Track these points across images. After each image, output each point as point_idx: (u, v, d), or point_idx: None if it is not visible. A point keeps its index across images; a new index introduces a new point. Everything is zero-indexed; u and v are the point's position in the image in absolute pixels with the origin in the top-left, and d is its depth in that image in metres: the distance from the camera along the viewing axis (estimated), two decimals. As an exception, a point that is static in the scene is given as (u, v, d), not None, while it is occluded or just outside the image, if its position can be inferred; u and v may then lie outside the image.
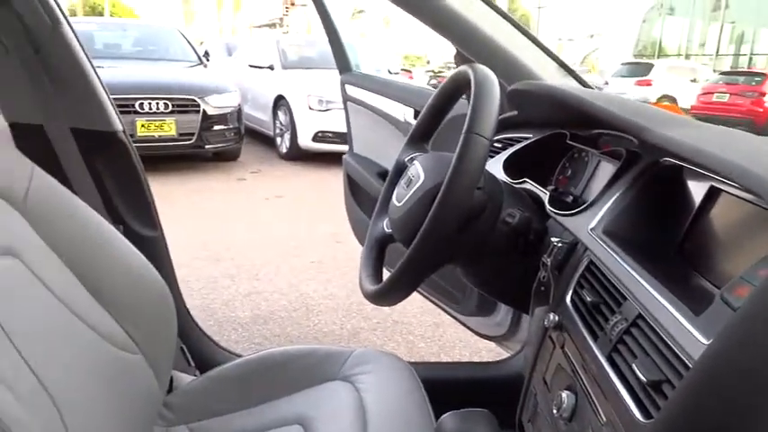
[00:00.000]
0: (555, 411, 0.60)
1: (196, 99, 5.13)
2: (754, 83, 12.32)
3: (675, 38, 24.11)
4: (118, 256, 1.06)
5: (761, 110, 11.82)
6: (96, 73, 1.14)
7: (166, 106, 4.93)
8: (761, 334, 0.36)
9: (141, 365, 1.05)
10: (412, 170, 0.90)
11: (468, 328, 1.71)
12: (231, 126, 5.43)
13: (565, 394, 0.58)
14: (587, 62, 25.21)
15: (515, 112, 1.17)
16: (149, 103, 4.82)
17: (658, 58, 21.19)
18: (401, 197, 0.88)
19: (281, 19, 32.34)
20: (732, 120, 11.01)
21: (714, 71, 16.26)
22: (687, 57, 22.31)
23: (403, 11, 1.23)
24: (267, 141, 6.67)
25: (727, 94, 12.40)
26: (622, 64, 16.16)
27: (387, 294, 0.85)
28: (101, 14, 19.84)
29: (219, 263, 3.14)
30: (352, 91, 2.08)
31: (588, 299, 0.60)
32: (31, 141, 0.97)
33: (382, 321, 2.54)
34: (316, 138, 5.76)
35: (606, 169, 0.82)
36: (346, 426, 1.01)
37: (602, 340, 0.55)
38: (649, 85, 14.17)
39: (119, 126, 1.17)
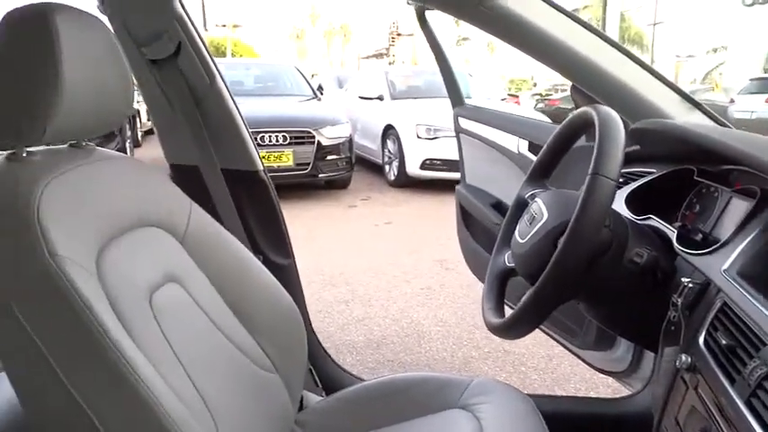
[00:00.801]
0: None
1: (311, 131, 5.44)
2: None
3: (814, 49, 21.97)
4: (259, 284, 1.17)
5: None
6: (243, 119, 1.29)
7: (285, 138, 5.28)
8: None
9: (277, 383, 1.15)
10: (534, 207, 0.93)
11: (585, 361, 1.68)
12: (343, 156, 5.69)
13: (702, 428, 0.58)
14: (710, 79, 23.57)
15: (637, 147, 1.16)
16: (269, 136, 5.20)
17: (792, 71, 19.36)
18: (524, 234, 0.92)
19: (388, 49, 33.34)
20: None
21: None
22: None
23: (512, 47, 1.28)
24: (376, 169, 6.88)
25: None
26: (751, 80, 14.94)
27: (512, 328, 0.88)
28: (224, 54, 21.55)
29: (334, 288, 3.29)
30: (465, 123, 2.13)
31: (723, 342, 0.60)
32: (189, 180, 1.11)
33: (493, 351, 2.53)
34: (423, 165, 5.88)
35: (739, 207, 0.81)
36: None
37: (739, 384, 0.55)
38: (786, 102, 12.96)
39: (260, 166, 1.31)
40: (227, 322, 1.09)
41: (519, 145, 1.80)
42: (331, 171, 5.65)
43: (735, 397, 0.55)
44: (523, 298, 0.87)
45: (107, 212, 0.91)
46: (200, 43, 1.20)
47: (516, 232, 0.96)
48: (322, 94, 7.30)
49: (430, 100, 6.58)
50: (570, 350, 1.71)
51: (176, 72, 1.20)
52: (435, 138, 5.84)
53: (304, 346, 1.26)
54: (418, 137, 5.89)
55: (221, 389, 0.99)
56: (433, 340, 2.66)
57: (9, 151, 0.85)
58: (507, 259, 1.04)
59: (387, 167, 6.48)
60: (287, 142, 5.30)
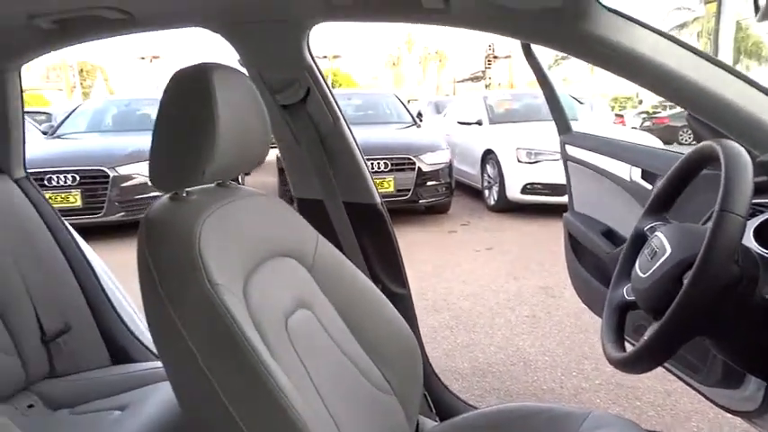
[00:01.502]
0: None
1: (412, 158, 5.56)
2: None
3: None
4: (379, 311, 1.24)
5: None
6: (362, 154, 1.38)
7: (386, 165, 5.43)
8: None
9: (395, 406, 1.21)
10: (656, 241, 0.93)
11: (709, 399, 1.59)
12: (443, 181, 5.75)
13: None
14: None
15: (765, 178, 1.12)
16: (371, 164, 5.36)
17: None
18: (646, 268, 0.91)
19: (484, 72, 33.24)
20: None
21: None
22: None
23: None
24: (475, 194, 6.88)
25: None
26: None
27: (636, 363, 0.88)
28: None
29: (438, 313, 3.32)
30: (573, 151, 2.12)
31: None
32: (314, 213, 1.21)
33: (604, 383, 2.45)
34: (524, 190, 5.80)
35: None
36: None
37: None
38: None
39: (378, 199, 1.40)
40: (350, 346, 1.16)
41: (631, 172, 1.76)
42: (431, 196, 5.72)
43: None
44: (648, 333, 0.86)
45: (251, 244, 1.02)
46: (325, 88, 1.32)
47: (637, 266, 0.96)
48: (421, 120, 7.43)
49: (530, 123, 6.52)
50: (692, 386, 1.64)
51: (304, 114, 1.32)
52: (536, 161, 5.77)
53: (420, 371, 1.31)
54: (519, 161, 5.84)
55: (346, 409, 1.06)
56: (539, 369, 2.62)
57: (171, 192, 0.98)
58: (626, 292, 1.03)
59: (486, 192, 6.46)
60: (388, 169, 5.45)
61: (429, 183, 5.64)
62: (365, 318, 1.21)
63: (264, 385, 0.86)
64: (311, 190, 1.39)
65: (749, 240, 1.01)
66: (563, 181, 6.34)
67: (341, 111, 1.36)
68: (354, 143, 1.38)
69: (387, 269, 1.44)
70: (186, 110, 0.93)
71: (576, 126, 2.14)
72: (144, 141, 5.21)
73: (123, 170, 5.46)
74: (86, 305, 1.64)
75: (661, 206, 1.05)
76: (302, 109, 1.31)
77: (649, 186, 1.66)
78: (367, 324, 1.21)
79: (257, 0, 1.14)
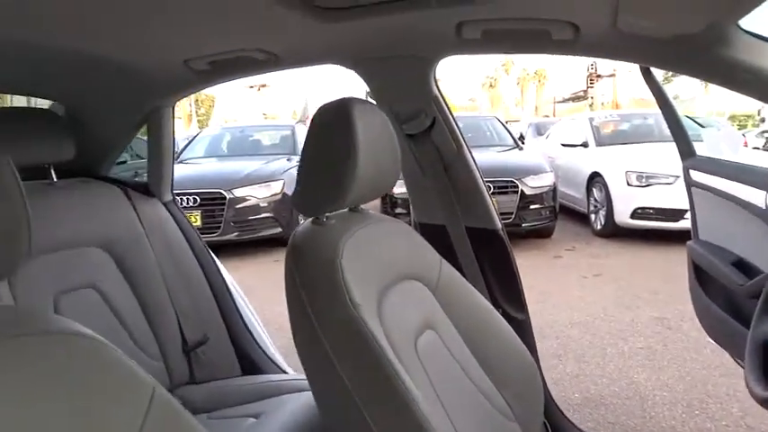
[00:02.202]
0: None
1: (515, 180, 5.50)
2: None
3: None
4: (501, 336, 1.26)
5: None
6: (483, 179, 1.42)
7: (489, 188, 5.40)
8: None
9: (517, 432, 1.21)
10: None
11: None
12: (547, 204, 5.63)
13: None
14: None
15: None
16: (473, 187, 5.38)
17: None
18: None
19: (585, 91, 32.18)
20: None
21: None
22: None
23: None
24: (579, 218, 6.66)
25: None
26: None
27: None
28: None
29: (545, 340, 3.24)
30: (698, 176, 2.03)
31: None
32: (436, 238, 1.25)
33: (732, 425, 2.28)
34: (635, 214, 5.55)
35: None
36: None
37: None
38: None
39: (498, 225, 1.42)
40: (473, 370, 1.19)
41: (767, 199, 1.66)
42: (534, 220, 5.61)
43: None
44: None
45: (384, 267, 1.08)
46: (450, 117, 1.37)
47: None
48: (523, 143, 7.34)
49: (640, 145, 6.24)
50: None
51: (429, 143, 1.38)
52: (648, 185, 5.50)
53: (541, 399, 1.31)
54: (628, 184, 5.60)
55: (468, 430, 1.08)
56: (657, 405, 2.48)
57: (313, 217, 1.06)
58: (774, 328, 0.99)
59: (593, 216, 6.23)
60: (490, 192, 5.41)
61: (532, 206, 5.54)
62: (487, 342, 1.23)
63: (403, 402, 0.90)
64: (434, 215, 1.44)
65: None
66: (677, 206, 6.07)
67: (464, 138, 1.40)
68: (477, 170, 1.42)
69: (507, 294, 1.45)
70: (330, 141, 1.01)
71: (701, 150, 2.06)
72: (256, 165, 5.59)
73: (238, 192, 5.83)
74: (221, 318, 1.78)
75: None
76: (427, 138, 1.37)
77: (788, 214, 1.57)
78: (489, 348, 1.22)
79: (391, 38, 1.22)
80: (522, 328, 1.45)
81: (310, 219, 1.07)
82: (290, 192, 6.18)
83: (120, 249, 1.63)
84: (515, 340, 1.28)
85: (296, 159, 6.95)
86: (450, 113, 1.38)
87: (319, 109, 1.05)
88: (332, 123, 1.02)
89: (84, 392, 0.59)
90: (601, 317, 3.65)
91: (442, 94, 1.37)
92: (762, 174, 1.79)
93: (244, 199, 5.84)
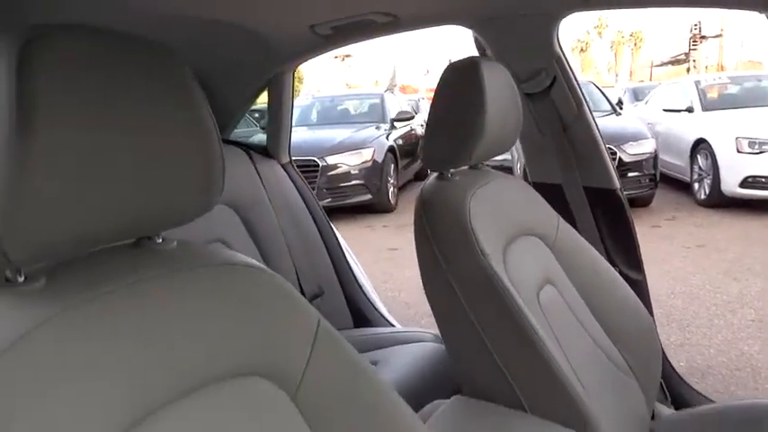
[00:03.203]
0: None
1: (612, 147, 5.29)
2: None
3: None
4: (618, 294, 1.26)
5: None
6: (603, 139, 1.41)
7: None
8: None
9: (635, 388, 1.22)
10: None
11: None
12: (647, 172, 5.39)
13: None
14: None
15: None
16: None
17: None
18: None
19: (687, 54, 29.97)
20: None
21: None
22: None
23: None
24: (680, 186, 6.33)
25: None
26: None
27: None
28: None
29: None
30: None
31: None
32: (551, 197, 1.27)
33: None
34: (745, 183, 5.20)
35: None
36: None
37: None
38: None
39: (617, 184, 1.41)
40: (591, 326, 1.21)
41: None
42: (633, 188, 5.39)
43: None
44: None
45: (507, 221, 1.11)
46: (571, 76, 1.37)
47: None
48: (621, 108, 7.02)
49: (751, 110, 5.81)
50: None
51: (549, 102, 1.38)
52: (761, 152, 5.13)
53: (658, 358, 1.31)
54: (739, 151, 5.24)
55: (595, 384, 1.11)
56: (771, 378, 2.39)
57: (437, 172, 1.11)
58: None
59: (696, 185, 5.90)
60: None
61: (631, 174, 5.32)
62: (605, 299, 1.24)
63: (533, 345, 0.95)
64: (550, 174, 1.45)
65: None
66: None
67: (585, 98, 1.39)
68: (597, 129, 1.41)
69: (623, 254, 1.45)
70: (460, 98, 1.05)
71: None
72: (346, 134, 5.70)
73: (331, 160, 5.99)
74: (335, 274, 1.89)
75: None
76: (546, 97, 1.38)
77: None
78: (607, 306, 1.24)
79: None
80: (639, 288, 1.44)
81: (435, 175, 1.12)
82: (379, 159, 6.28)
83: (244, 207, 1.76)
84: (633, 299, 1.28)
85: (384, 127, 7.03)
86: (573, 73, 1.38)
87: (447, 68, 1.09)
88: (461, 81, 1.06)
89: (262, 317, 0.64)
90: (706, 288, 3.51)
91: (563, 53, 1.37)
92: None
93: (336, 166, 6.01)
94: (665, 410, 1.40)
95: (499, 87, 1.08)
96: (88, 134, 0.49)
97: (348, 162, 6.07)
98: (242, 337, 0.61)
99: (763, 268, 3.78)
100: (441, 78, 1.08)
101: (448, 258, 1.01)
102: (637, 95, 9.76)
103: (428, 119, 1.11)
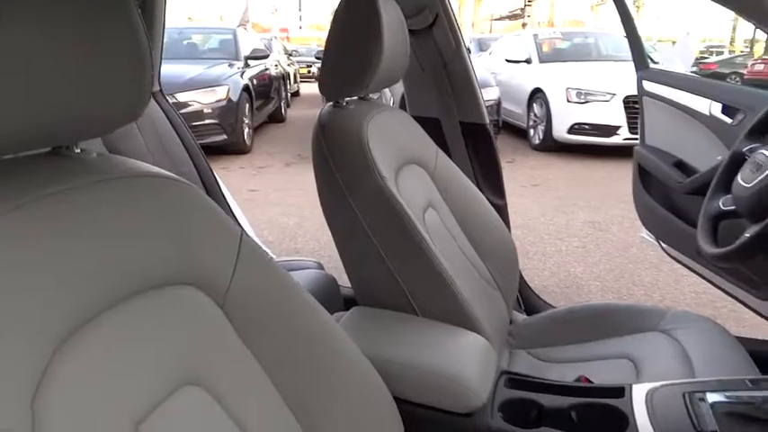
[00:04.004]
0: None
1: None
2: None
3: None
4: (486, 216, 1.43)
5: None
6: (476, 77, 1.54)
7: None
8: None
9: (500, 300, 1.41)
10: (760, 157, 1.08)
11: (763, 316, 1.77)
12: (491, 119, 5.81)
13: None
14: None
15: None
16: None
17: None
18: (750, 179, 1.07)
19: (523, 9, 32.09)
20: None
21: None
22: None
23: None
24: (518, 133, 6.94)
25: None
26: None
27: (731, 258, 1.05)
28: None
29: (493, 240, 3.52)
30: (650, 86, 2.22)
31: None
32: (428, 130, 1.38)
33: (655, 307, 2.64)
34: (572, 129, 5.86)
35: None
36: (673, 365, 1.22)
37: None
38: None
39: (487, 120, 1.56)
40: (465, 245, 1.36)
41: (711, 108, 1.88)
42: (478, 133, 5.82)
43: None
44: (747, 233, 1.03)
45: (396, 149, 1.20)
46: (452, 16, 1.46)
47: (739, 178, 1.11)
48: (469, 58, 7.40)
49: (580, 63, 6.48)
50: (747, 305, 1.81)
51: (430, 39, 1.47)
52: (586, 102, 5.79)
53: (517, 273, 1.51)
54: (568, 101, 5.87)
55: (467, 292, 1.26)
56: (592, 293, 2.82)
57: (333, 101, 1.15)
58: (722, 203, 1.20)
59: (531, 131, 6.52)
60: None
61: (477, 119, 5.72)
62: (476, 223, 1.40)
63: (428, 258, 1.06)
64: (428, 109, 1.56)
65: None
66: (611, 122, 6.45)
67: (462, 37, 1.50)
68: (472, 68, 1.53)
69: (490, 183, 1.62)
70: (357, 29, 1.09)
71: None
72: (197, 70, 5.33)
73: (181, 97, 5.64)
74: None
75: (762, 130, 1.19)
76: (428, 34, 1.46)
77: (729, 120, 1.78)
78: (477, 228, 1.39)
79: None
80: (502, 212, 1.63)
81: (330, 104, 1.16)
82: (235, 98, 6.04)
83: (112, 136, 1.65)
84: (499, 222, 1.46)
85: (238, 65, 6.74)
86: (453, 12, 1.47)
87: (342, 2, 1.12)
88: (358, 13, 1.09)
89: (187, 228, 0.65)
90: (540, 220, 3.97)
91: (445, -9, 1.45)
92: (708, 84, 2.01)
93: (187, 104, 5.67)
94: (520, 316, 1.64)
95: (392, 21, 1.13)
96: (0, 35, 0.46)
97: (201, 100, 5.77)
98: (169, 246, 0.63)
99: (586, 203, 4.36)
100: (337, 10, 1.11)
101: (348, 181, 1.08)
102: (481, 46, 10.33)
103: (325, 49, 1.13)
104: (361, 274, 1.14)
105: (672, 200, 2.04)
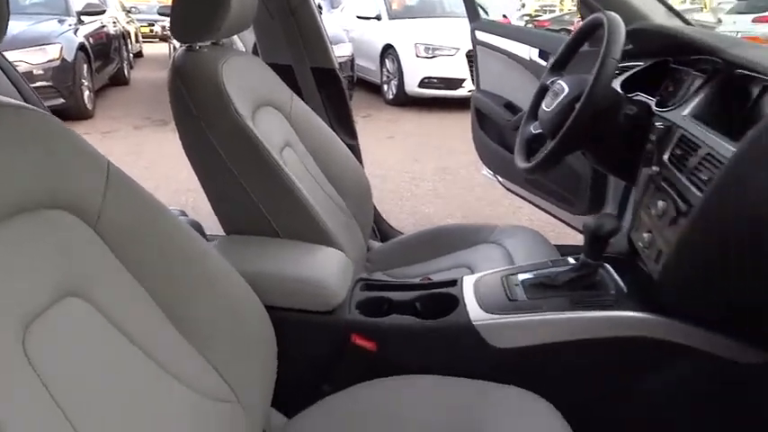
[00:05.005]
0: (653, 211, 1.02)
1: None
2: None
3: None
4: (340, 154, 1.56)
5: None
6: (324, 27, 1.63)
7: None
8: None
9: (356, 228, 1.55)
10: (557, 87, 1.31)
11: (577, 229, 2.11)
12: (345, 74, 5.93)
13: (660, 202, 0.99)
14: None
15: (631, 46, 1.53)
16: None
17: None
18: (550, 104, 1.30)
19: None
20: None
21: None
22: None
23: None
24: (373, 88, 7.14)
25: None
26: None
27: (537, 168, 1.27)
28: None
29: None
30: (482, 36, 2.46)
31: (678, 152, 1.00)
32: (283, 76, 1.47)
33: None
34: (422, 83, 6.17)
35: (698, 82, 1.20)
36: (499, 264, 1.45)
37: (684, 172, 0.96)
38: (768, 21, 12.98)
39: (336, 64, 1.67)
40: (322, 180, 1.48)
41: (531, 53, 2.15)
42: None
43: (683, 178, 0.95)
44: (549, 145, 1.26)
45: (252, 91, 1.28)
46: (295, -37, 1.53)
47: (543, 105, 1.34)
48: (320, 14, 7.40)
49: (427, 20, 6.78)
50: (565, 222, 2.14)
51: (276, -14, 1.53)
52: (434, 56, 6.11)
53: (371, 203, 1.67)
54: (417, 56, 6.15)
55: (328, 220, 1.38)
56: (444, 229, 3.11)
57: (187, 45, 1.20)
58: (533, 128, 1.43)
59: (385, 86, 6.75)
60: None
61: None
62: (331, 159, 1.52)
63: (287, 186, 1.17)
64: (280, 56, 1.63)
65: (616, 85, 1.43)
66: (457, 75, 6.84)
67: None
68: (319, 15, 1.63)
69: (342, 124, 1.75)
70: None
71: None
72: (20, 26, 4.81)
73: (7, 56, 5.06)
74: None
75: (560, 66, 1.43)
76: (274, -19, 1.52)
77: (544, 63, 2.05)
78: (333, 164, 1.52)
79: None
80: (355, 151, 1.77)
81: (184, 47, 1.20)
82: (69, 58, 5.55)
83: None
84: (352, 159, 1.60)
85: (70, 21, 6.17)
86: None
87: None
88: None
89: (55, 154, 0.69)
90: (396, 168, 4.21)
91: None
92: (529, 33, 2.28)
93: (13, 65, 5.11)
94: (376, 244, 1.81)
95: None
96: None
97: (30, 60, 5.23)
98: (34, 172, 0.66)
99: (435, 151, 4.68)
100: None
101: (207, 119, 1.14)
102: (333, 3, 10.32)
103: None
104: (225, 205, 1.22)
105: (503, 136, 2.31)
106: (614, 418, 0.98)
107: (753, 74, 0.95)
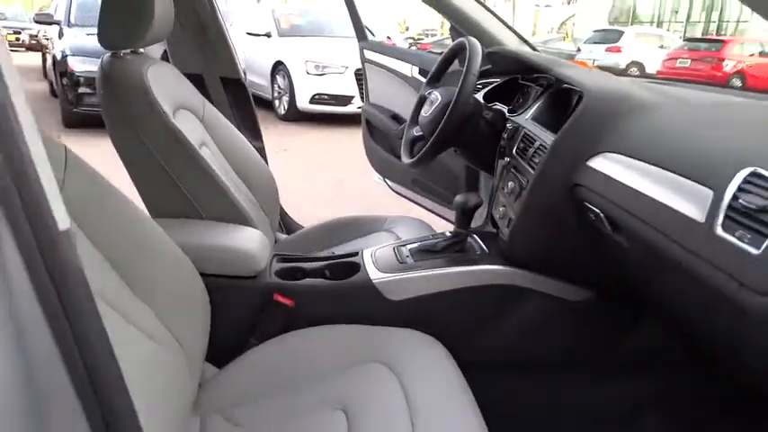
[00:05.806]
0: (506, 190, 1.33)
1: (207, 64, 5.73)
2: (714, 49, 12.90)
3: (649, 5, 24.50)
4: (248, 154, 1.75)
5: (719, 74, 12.36)
6: (230, 38, 1.82)
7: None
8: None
9: (264, 218, 1.75)
10: (433, 96, 1.60)
11: (450, 221, 2.43)
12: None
13: (510, 183, 1.31)
14: (564, 29, 25.72)
15: (489, 66, 1.88)
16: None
17: (632, 25, 21.56)
18: (427, 111, 1.59)
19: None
20: (693, 84, 11.69)
21: (682, 38, 16.95)
22: (660, 24, 22.68)
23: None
24: (264, 104, 7.27)
25: (689, 60, 12.99)
26: (595, 31, 16.70)
27: (417, 162, 1.56)
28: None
29: (251, 197, 3.85)
30: (369, 54, 2.75)
31: (522, 146, 1.32)
32: (195, 84, 1.65)
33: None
34: (313, 100, 6.41)
35: (537, 93, 1.54)
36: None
37: (525, 159, 1.27)
38: (619, 51, 14.66)
39: (241, 75, 1.87)
40: (235, 179, 1.66)
41: (412, 70, 2.46)
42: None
43: (523, 162, 1.27)
44: (427, 146, 1.55)
45: (171, 96, 1.44)
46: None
47: (422, 112, 1.63)
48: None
49: (316, 38, 7.06)
50: (445, 218, 2.47)
51: (190, 2, 1.70)
52: (323, 74, 6.38)
53: (278, 198, 1.88)
54: (308, 73, 6.39)
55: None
56: (340, 232, 3.35)
57: (112, 52, 1.35)
58: (415, 131, 1.72)
59: (276, 102, 6.91)
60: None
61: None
62: (243, 161, 1.71)
63: (210, 175, 1.35)
64: (191, 66, 1.80)
65: (479, 96, 1.76)
66: (347, 92, 7.18)
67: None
68: (226, 27, 1.82)
69: (248, 128, 1.94)
70: None
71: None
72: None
73: None
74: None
75: (435, 80, 1.73)
76: (186, -4, 1.69)
77: (423, 79, 2.37)
78: (243, 163, 1.71)
79: None
80: (262, 153, 1.97)
81: (110, 54, 1.35)
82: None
83: None
84: (260, 160, 1.80)
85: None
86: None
87: None
88: None
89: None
90: (294, 180, 4.40)
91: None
92: (410, 53, 2.60)
93: None
94: (282, 236, 2.01)
95: None
96: None
97: None
98: None
99: (329, 162, 4.94)
100: None
101: (136, 119, 1.30)
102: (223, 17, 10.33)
103: (101, 4, 1.31)
104: (151, 192, 1.37)
105: (391, 144, 2.61)
106: (482, 346, 1.26)
107: (571, 86, 1.29)
